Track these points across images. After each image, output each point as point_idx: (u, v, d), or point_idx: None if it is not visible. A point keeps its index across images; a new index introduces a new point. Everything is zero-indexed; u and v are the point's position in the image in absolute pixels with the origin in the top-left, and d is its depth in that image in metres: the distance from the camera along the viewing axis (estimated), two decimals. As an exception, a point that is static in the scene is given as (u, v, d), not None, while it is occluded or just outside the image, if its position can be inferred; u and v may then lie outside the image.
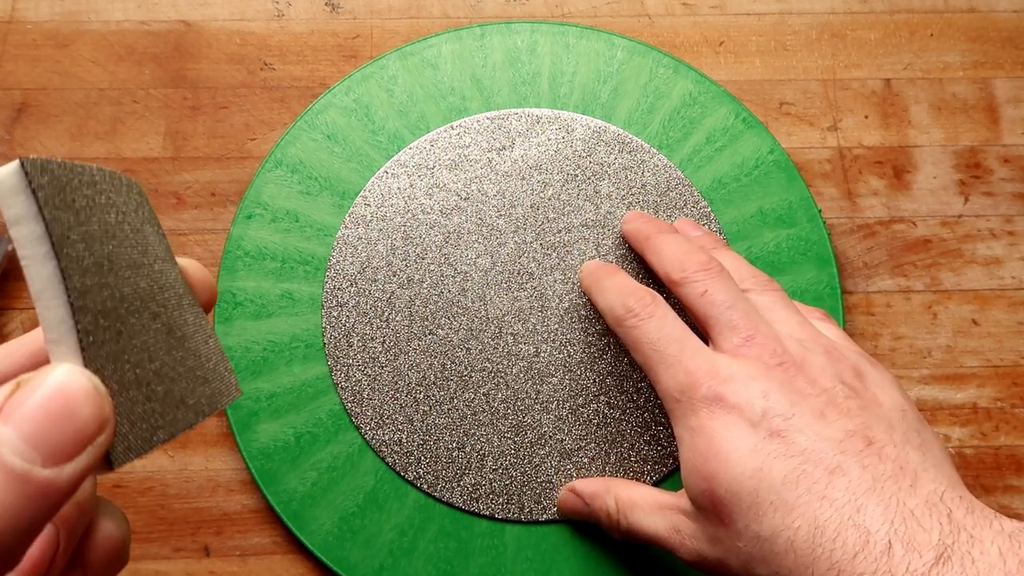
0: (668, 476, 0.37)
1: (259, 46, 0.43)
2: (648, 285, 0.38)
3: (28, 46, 0.43)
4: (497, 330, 0.39)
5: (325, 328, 0.38)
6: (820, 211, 0.41)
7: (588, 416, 0.38)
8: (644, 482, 0.37)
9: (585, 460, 0.37)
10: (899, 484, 0.25)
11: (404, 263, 0.39)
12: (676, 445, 0.37)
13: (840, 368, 0.29)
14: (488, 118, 0.41)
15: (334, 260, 0.39)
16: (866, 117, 0.43)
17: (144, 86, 0.43)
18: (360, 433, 0.37)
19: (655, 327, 0.30)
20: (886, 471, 0.25)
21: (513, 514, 0.37)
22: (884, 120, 0.43)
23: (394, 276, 0.39)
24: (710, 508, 0.27)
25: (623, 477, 0.37)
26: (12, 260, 0.40)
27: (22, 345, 0.18)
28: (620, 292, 0.32)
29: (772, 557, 0.25)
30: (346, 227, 0.40)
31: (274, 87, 0.43)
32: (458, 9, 0.44)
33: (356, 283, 0.39)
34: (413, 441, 0.37)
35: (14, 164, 0.16)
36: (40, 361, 0.18)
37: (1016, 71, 0.44)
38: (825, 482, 0.25)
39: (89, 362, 0.15)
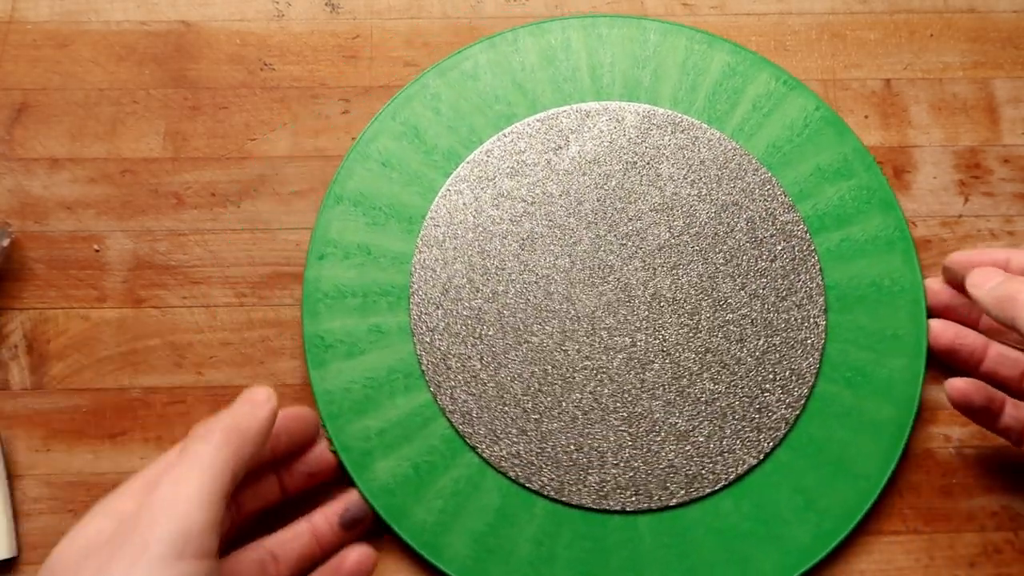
0: (782, 442, 0.38)
1: (259, 46, 0.43)
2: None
3: (28, 46, 0.43)
4: (590, 327, 0.39)
5: (420, 355, 0.38)
6: (875, 159, 0.41)
7: (695, 395, 0.38)
8: (761, 450, 0.37)
9: (701, 438, 0.38)
10: None
11: (485, 277, 0.39)
12: (786, 409, 0.38)
13: None
14: (538, 120, 0.41)
15: (415, 286, 0.39)
16: (866, 117, 0.43)
17: (144, 86, 0.42)
18: (476, 453, 0.37)
19: None
20: None
21: (643, 504, 0.37)
22: (884, 120, 0.43)
23: (477, 292, 0.39)
24: None
25: (740, 450, 0.37)
26: (12, 260, 0.39)
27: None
28: None
29: None
30: (420, 251, 0.39)
31: (274, 87, 0.42)
32: (458, 9, 0.44)
33: (442, 305, 0.39)
34: (531, 451, 0.37)
35: None
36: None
37: (1016, 71, 0.44)
38: None
39: None
